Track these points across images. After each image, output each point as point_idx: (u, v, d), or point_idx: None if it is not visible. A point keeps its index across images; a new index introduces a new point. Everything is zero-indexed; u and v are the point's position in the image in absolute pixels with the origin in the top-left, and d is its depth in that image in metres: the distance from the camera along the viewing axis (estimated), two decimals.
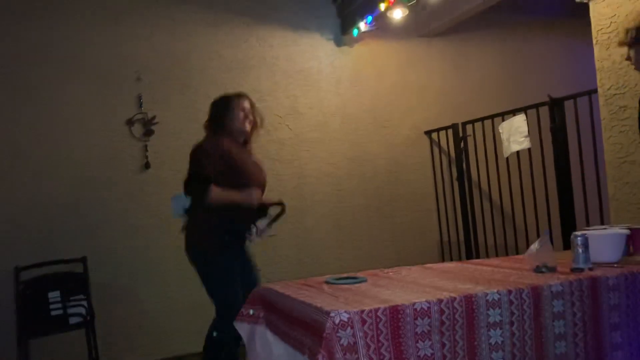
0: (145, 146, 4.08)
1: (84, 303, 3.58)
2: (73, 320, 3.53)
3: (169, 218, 4.09)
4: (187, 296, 4.05)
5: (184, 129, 4.20)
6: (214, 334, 2.88)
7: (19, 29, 3.81)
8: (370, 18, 4.40)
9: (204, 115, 4.27)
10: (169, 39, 4.23)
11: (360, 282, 2.11)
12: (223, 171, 2.80)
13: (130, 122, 4.05)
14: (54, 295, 3.52)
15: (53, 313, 3.50)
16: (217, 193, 2.75)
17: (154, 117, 4.09)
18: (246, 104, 3.00)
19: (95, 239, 3.89)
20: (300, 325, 1.78)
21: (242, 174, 2.88)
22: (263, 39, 4.55)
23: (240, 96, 3.03)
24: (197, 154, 2.86)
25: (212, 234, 2.82)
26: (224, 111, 2.96)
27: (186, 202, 2.84)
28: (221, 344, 2.86)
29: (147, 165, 4.07)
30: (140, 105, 4.08)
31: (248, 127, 2.99)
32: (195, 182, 2.78)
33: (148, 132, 4.07)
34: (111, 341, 3.81)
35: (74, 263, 3.75)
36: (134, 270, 4.00)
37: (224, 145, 2.89)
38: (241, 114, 2.96)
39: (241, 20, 4.48)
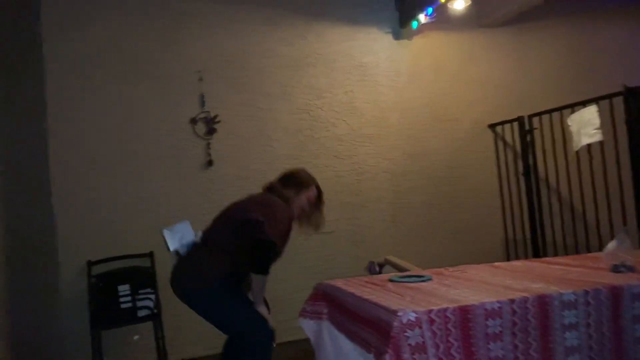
0: (208, 144, 4.16)
1: (152, 296, 3.69)
2: (141, 313, 3.64)
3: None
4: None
5: (243, 127, 4.27)
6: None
7: (86, 33, 3.97)
8: (430, 9, 4.31)
9: (263, 113, 4.37)
10: (228, 39, 4.30)
11: (425, 280, 2.06)
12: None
13: (193, 121, 4.14)
14: (123, 288, 3.65)
15: (123, 306, 3.62)
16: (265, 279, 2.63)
17: (216, 116, 4.17)
18: (313, 195, 2.90)
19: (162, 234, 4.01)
20: (365, 324, 1.76)
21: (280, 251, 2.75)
22: (321, 35, 4.54)
23: (318, 188, 2.93)
24: (279, 220, 2.66)
25: (224, 274, 2.64)
26: (302, 189, 2.85)
27: (188, 234, 2.69)
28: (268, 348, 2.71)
29: (209, 163, 4.15)
30: (203, 105, 4.17)
31: (300, 218, 2.89)
32: (270, 252, 2.58)
33: (211, 131, 4.16)
34: (177, 334, 3.92)
35: (142, 258, 3.88)
36: None
37: (291, 222, 2.78)
38: (306, 203, 2.87)
39: (298, 17, 4.49)
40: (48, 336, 3.82)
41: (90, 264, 3.76)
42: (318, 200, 2.91)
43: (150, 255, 3.89)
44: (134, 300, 3.64)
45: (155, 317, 3.67)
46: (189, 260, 2.69)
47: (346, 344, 1.91)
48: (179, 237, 2.67)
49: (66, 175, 3.86)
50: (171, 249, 2.69)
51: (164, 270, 3.90)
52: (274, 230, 2.55)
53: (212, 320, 2.68)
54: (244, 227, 2.56)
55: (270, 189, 2.87)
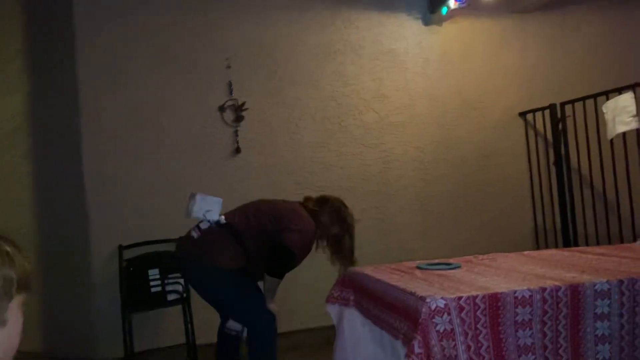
0: (236, 131, 4.19)
1: (181, 281, 3.74)
2: (171, 297, 3.71)
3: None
4: None
5: (271, 115, 4.28)
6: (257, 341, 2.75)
7: (117, 23, 4.01)
8: None
9: (290, 101, 4.37)
10: (256, 26, 4.30)
11: (454, 268, 2.05)
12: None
13: (222, 109, 4.17)
14: (153, 273, 3.72)
15: (153, 290, 3.69)
16: (278, 282, 2.68)
17: (244, 104, 4.19)
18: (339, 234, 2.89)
19: (190, 220, 4.06)
20: (393, 310, 1.76)
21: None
22: (349, 21, 4.51)
23: (351, 225, 2.92)
24: (306, 232, 2.69)
25: (237, 268, 2.70)
26: (332, 219, 2.85)
27: (215, 211, 2.69)
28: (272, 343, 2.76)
29: (237, 150, 4.18)
30: (231, 92, 4.19)
31: (318, 248, 2.91)
32: (288, 260, 2.65)
33: (239, 118, 4.18)
34: (205, 318, 3.98)
35: (171, 243, 3.94)
36: None
37: (314, 238, 2.80)
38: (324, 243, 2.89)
39: (326, 3, 4.46)
40: (80, 318, 3.92)
41: (122, 248, 3.84)
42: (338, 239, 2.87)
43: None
44: (163, 285, 3.70)
45: (184, 301, 3.74)
46: (211, 238, 2.70)
47: (374, 331, 1.92)
48: (206, 209, 2.66)
49: (98, 163, 3.93)
50: (193, 215, 2.66)
51: None
52: (297, 241, 2.60)
53: (216, 299, 2.75)
54: (271, 241, 2.61)
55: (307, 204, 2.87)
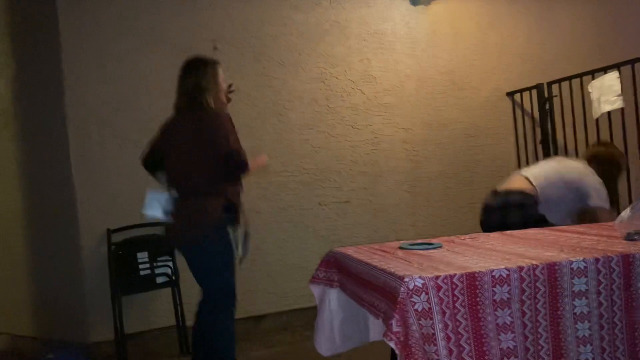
0: None
1: (170, 264, 3.77)
2: (160, 280, 3.74)
3: (247, 184, 4.22)
4: (263, 259, 4.19)
5: (258, 97, 4.26)
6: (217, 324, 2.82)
7: (100, 4, 3.95)
8: None
9: (277, 82, 4.35)
10: (242, 6, 4.26)
11: (435, 248, 2.07)
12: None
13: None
14: (142, 256, 3.74)
15: (142, 273, 3.72)
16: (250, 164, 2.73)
17: (230, 85, 4.15)
18: (222, 73, 2.90)
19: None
20: (374, 290, 1.78)
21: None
22: (336, 1, 4.47)
23: (215, 63, 2.89)
24: (221, 128, 2.70)
25: (221, 211, 2.72)
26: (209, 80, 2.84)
27: (164, 201, 2.75)
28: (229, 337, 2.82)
29: None
30: None
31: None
32: (239, 159, 2.68)
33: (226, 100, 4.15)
34: (195, 300, 4.01)
35: (159, 226, 3.95)
36: None
37: (229, 118, 2.80)
38: (223, 85, 2.88)
39: None
40: (71, 302, 3.94)
41: (110, 232, 3.85)
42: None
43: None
44: (152, 267, 3.73)
45: (173, 283, 3.77)
46: (186, 209, 2.73)
47: (357, 310, 1.94)
48: (158, 204, 2.75)
49: (85, 146, 3.92)
50: (150, 216, 2.77)
51: None
52: (235, 137, 2.68)
53: (201, 270, 2.80)
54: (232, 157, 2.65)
55: (191, 104, 2.81)
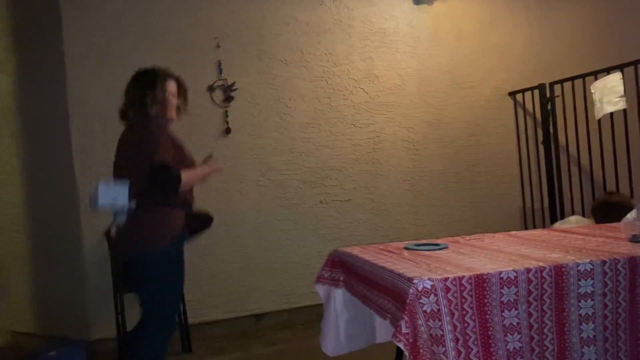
0: (226, 112, 4.17)
1: None
2: None
3: (249, 181, 4.24)
4: (264, 256, 4.20)
5: (261, 95, 4.26)
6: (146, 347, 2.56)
7: (103, 1, 3.94)
8: None
9: (280, 80, 4.34)
10: (246, 4, 4.25)
11: (441, 248, 2.08)
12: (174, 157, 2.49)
13: (211, 89, 4.14)
14: None
15: None
16: (185, 176, 2.46)
17: (233, 83, 4.16)
18: (173, 87, 2.68)
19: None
20: (381, 291, 1.79)
21: (187, 160, 2.62)
22: (339, 0, 4.47)
23: (167, 76, 2.68)
24: (149, 139, 2.46)
25: (169, 227, 2.51)
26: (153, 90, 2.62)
27: (123, 197, 2.44)
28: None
29: (227, 131, 4.17)
30: (220, 72, 4.15)
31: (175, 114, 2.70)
32: (164, 172, 2.41)
33: (228, 99, 4.16)
34: (196, 298, 4.02)
35: None
36: (215, 232, 4.14)
37: (167, 129, 2.59)
38: (172, 100, 2.67)
39: None
40: (73, 299, 3.94)
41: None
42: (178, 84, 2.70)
43: None
44: None
45: None
46: (137, 223, 2.48)
47: (363, 310, 1.95)
48: (112, 197, 2.43)
49: (87, 143, 3.90)
50: (99, 204, 2.42)
51: None
52: (165, 149, 2.43)
53: (145, 291, 2.58)
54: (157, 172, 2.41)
55: (127, 115, 2.64)
